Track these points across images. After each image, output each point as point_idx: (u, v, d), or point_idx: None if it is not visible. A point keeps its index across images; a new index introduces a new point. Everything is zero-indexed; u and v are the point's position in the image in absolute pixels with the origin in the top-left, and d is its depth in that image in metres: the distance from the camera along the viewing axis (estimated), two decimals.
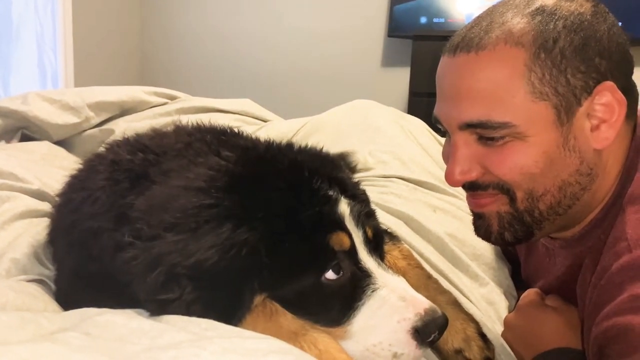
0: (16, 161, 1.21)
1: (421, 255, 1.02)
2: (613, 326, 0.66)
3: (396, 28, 3.19)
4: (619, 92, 0.72)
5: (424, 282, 0.83)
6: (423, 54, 2.87)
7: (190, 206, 0.62)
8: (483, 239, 0.83)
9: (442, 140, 1.81)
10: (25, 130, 1.49)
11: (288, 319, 0.63)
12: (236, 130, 0.87)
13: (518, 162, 0.73)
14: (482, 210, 0.80)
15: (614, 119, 0.73)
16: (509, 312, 0.99)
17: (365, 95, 1.97)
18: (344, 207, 0.69)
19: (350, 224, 0.68)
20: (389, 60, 3.35)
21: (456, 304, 0.82)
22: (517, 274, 1.11)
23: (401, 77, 3.05)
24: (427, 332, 0.63)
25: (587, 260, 0.78)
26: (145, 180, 0.70)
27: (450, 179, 0.78)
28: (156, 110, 1.65)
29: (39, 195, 1.09)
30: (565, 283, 0.85)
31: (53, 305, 0.74)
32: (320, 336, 0.61)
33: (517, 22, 0.73)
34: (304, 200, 0.65)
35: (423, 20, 3.14)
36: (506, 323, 0.92)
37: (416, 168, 1.42)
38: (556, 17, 0.72)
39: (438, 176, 1.44)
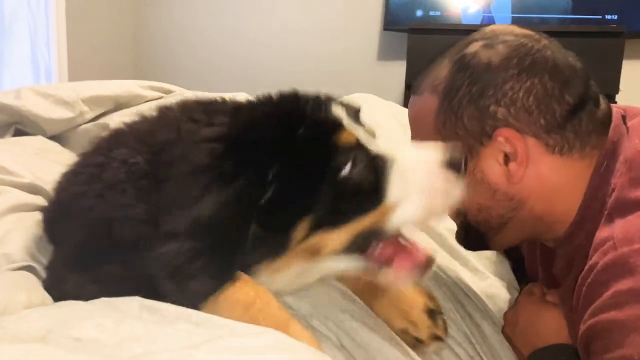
0: (8, 155, 1.19)
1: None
2: (598, 322, 0.68)
3: (392, 21, 3.19)
4: (517, 137, 0.80)
5: None
6: (419, 48, 2.86)
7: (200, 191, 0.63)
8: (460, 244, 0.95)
9: None
10: (18, 125, 1.48)
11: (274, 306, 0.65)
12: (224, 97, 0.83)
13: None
14: (453, 220, 0.92)
15: (518, 160, 0.81)
16: (510, 306, 0.99)
17: (361, 89, 1.96)
18: (338, 110, 0.72)
19: (349, 122, 0.72)
20: (385, 53, 3.34)
21: None
22: (521, 269, 1.11)
23: (397, 71, 3.04)
24: (456, 162, 0.71)
25: (576, 260, 0.80)
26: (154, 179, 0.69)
27: None
28: (151, 104, 1.64)
29: (31, 188, 1.08)
30: (560, 281, 0.87)
31: (38, 294, 0.71)
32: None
33: (442, 69, 0.86)
34: (305, 115, 0.69)
35: (419, 13, 3.13)
36: (506, 319, 0.93)
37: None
38: (467, 67, 0.83)
39: None
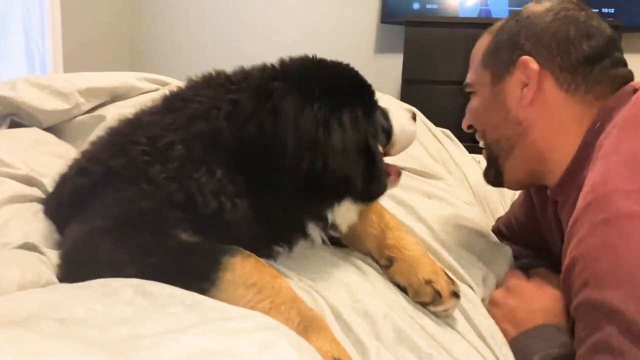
0: (3, 147, 1.19)
1: (415, 236, 1.02)
2: (574, 257, 0.78)
3: (389, 14, 3.18)
4: (534, 64, 0.97)
5: (395, 224, 0.92)
6: (416, 40, 2.86)
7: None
8: (486, 181, 1.13)
9: (435, 128, 1.83)
10: (14, 116, 1.47)
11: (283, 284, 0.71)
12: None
13: (472, 107, 1.09)
14: (484, 156, 1.12)
15: (530, 84, 0.98)
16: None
17: None
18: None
19: None
20: (382, 46, 3.34)
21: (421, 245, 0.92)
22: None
23: (394, 64, 3.04)
24: (414, 116, 1.02)
25: (571, 218, 0.86)
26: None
27: (462, 126, 1.14)
28: (148, 96, 1.63)
29: (27, 180, 1.08)
30: (553, 229, 1.02)
31: (33, 271, 0.70)
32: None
33: (502, 20, 1.08)
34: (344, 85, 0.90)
35: (416, 6, 3.12)
36: (493, 300, 0.97)
37: (410, 157, 1.42)
38: (517, 14, 1.04)
39: (428, 164, 1.44)
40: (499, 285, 1.03)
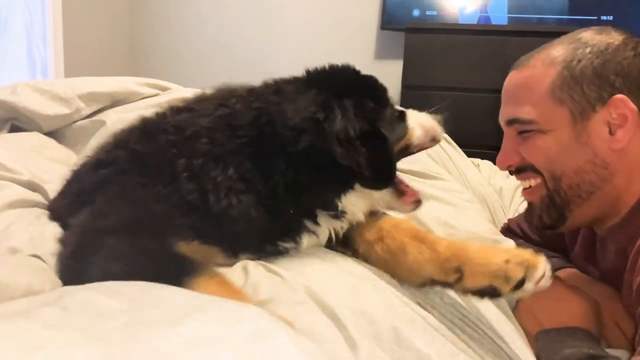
0: (5, 152, 1.19)
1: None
2: None
3: (389, 21, 3.19)
4: (631, 104, 0.91)
5: (424, 232, 0.86)
6: (416, 47, 2.87)
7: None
8: (529, 223, 1.08)
9: None
10: (14, 121, 1.48)
11: None
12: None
13: (540, 148, 0.97)
14: (532, 198, 1.03)
15: (627, 126, 0.92)
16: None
17: None
18: None
19: None
20: (382, 52, 3.35)
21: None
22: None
23: (394, 70, 3.04)
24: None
25: (629, 247, 0.88)
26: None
27: (499, 163, 1.06)
28: (148, 101, 1.64)
29: (30, 185, 1.08)
30: (616, 269, 0.95)
31: (39, 278, 0.71)
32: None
33: (557, 49, 0.98)
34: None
35: (416, 13, 3.14)
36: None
37: (407, 158, 1.42)
38: (587, 45, 0.96)
39: (427, 164, 1.45)
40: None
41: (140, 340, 0.51)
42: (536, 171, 0.99)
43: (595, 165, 0.94)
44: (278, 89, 0.89)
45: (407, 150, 0.94)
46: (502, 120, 1.05)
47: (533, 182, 1.01)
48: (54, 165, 1.21)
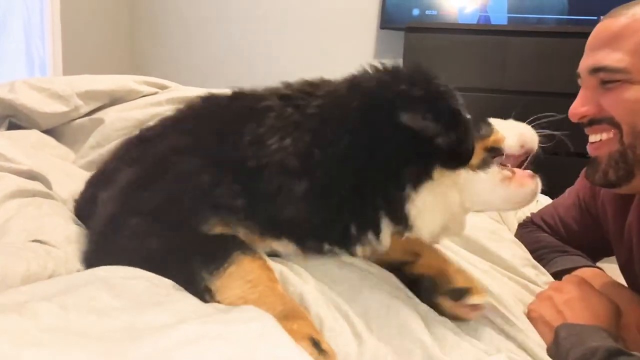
0: (6, 141, 1.18)
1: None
2: None
3: (389, 20, 3.18)
4: None
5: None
6: (415, 46, 2.86)
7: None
8: (589, 180, 1.03)
9: None
10: (12, 118, 1.47)
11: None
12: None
13: (625, 99, 0.93)
14: (598, 153, 0.99)
15: None
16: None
17: None
18: None
19: None
20: (382, 52, 3.34)
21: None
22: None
23: None
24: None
25: None
26: None
27: (571, 112, 1.00)
28: (147, 99, 1.63)
29: (30, 175, 1.07)
30: None
31: (39, 264, 0.70)
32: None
33: None
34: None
35: (415, 12, 3.13)
36: (559, 285, 0.98)
37: None
38: None
39: None
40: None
41: (138, 340, 0.50)
42: (613, 124, 0.96)
43: None
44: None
45: (496, 153, 0.83)
46: (583, 69, 1.00)
47: (605, 135, 0.97)
48: (56, 161, 1.21)
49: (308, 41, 3.43)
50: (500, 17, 3.08)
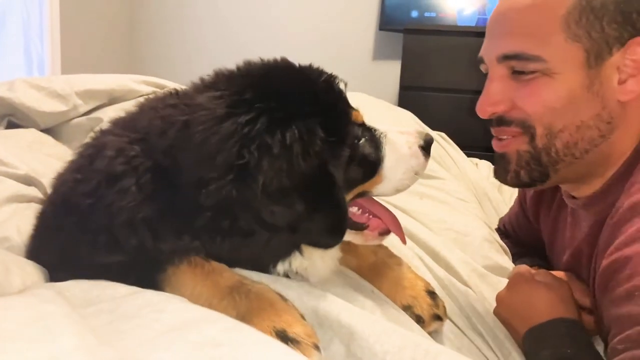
0: (2, 147, 1.19)
1: (411, 236, 1.02)
2: (621, 255, 0.69)
3: (387, 21, 3.19)
4: None
5: (374, 247, 0.85)
6: (414, 48, 2.87)
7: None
8: (500, 180, 0.91)
9: (431, 131, 1.83)
10: (11, 117, 1.47)
11: (224, 277, 0.66)
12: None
13: (543, 96, 0.80)
14: (505, 150, 0.87)
15: None
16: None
17: (356, 88, 1.96)
18: (344, 89, 0.79)
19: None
20: (380, 53, 3.35)
21: (404, 265, 0.84)
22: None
23: (392, 70, 3.05)
24: (428, 145, 0.79)
25: (608, 219, 0.78)
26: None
27: (480, 108, 0.86)
28: (144, 97, 1.64)
29: (26, 180, 1.07)
30: (588, 243, 0.86)
31: (33, 279, 0.71)
32: (254, 285, 0.65)
33: None
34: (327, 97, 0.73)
35: (414, 14, 3.14)
36: (498, 299, 0.92)
37: None
38: None
39: None
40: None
41: (124, 332, 0.52)
42: (525, 127, 0.83)
43: (600, 120, 0.80)
44: (188, 104, 0.68)
45: (364, 194, 0.77)
46: (490, 55, 0.85)
47: (510, 136, 0.85)
48: (52, 161, 1.21)
49: (307, 42, 3.44)
50: None
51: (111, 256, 0.66)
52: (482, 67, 0.89)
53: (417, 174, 0.79)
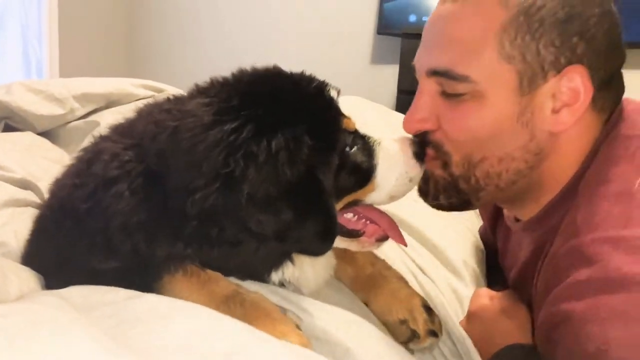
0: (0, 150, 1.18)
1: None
2: (558, 312, 0.65)
3: (386, 26, 3.19)
4: (589, 80, 0.71)
5: (371, 259, 0.84)
6: (412, 52, 2.82)
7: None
8: (423, 200, 0.85)
9: None
10: (8, 120, 1.47)
11: (220, 286, 0.65)
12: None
13: (469, 124, 0.75)
14: (427, 169, 0.80)
15: (577, 105, 0.72)
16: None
17: (354, 92, 1.97)
18: (336, 96, 0.76)
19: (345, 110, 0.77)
20: (378, 57, 3.35)
21: (401, 279, 0.82)
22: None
23: (390, 74, 3.05)
24: (422, 152, 0.77)
25: (547, 245, 0.76)
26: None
27: (407, 124, 0.80)
28: (143, 103, 1.63)
29: (23, 184, 1.07)
30: (530, 268, 0.82)
31: (30, 287, 0.70)
32: (249, 295, 0.65)
33: None
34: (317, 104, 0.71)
35: (412, 18, 3.14)
36: (462, 328, 0.89)
37: None
38: None
39: None
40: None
41: (131, 339, 0.51)
42: (438, 150, 0.77)
43: (527, 152, 0.74)
44: (180, 110, 0.68)
45: (357, 202, 0.75)
46: (420, 67, 0.79)
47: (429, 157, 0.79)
48: (49, 164, 1.21)
49: (305, 46, 3.44)
50: None
51: (107, 262, 0.66)
52: (417, 75, 0.83)
53: (412, 181, 0.77)
